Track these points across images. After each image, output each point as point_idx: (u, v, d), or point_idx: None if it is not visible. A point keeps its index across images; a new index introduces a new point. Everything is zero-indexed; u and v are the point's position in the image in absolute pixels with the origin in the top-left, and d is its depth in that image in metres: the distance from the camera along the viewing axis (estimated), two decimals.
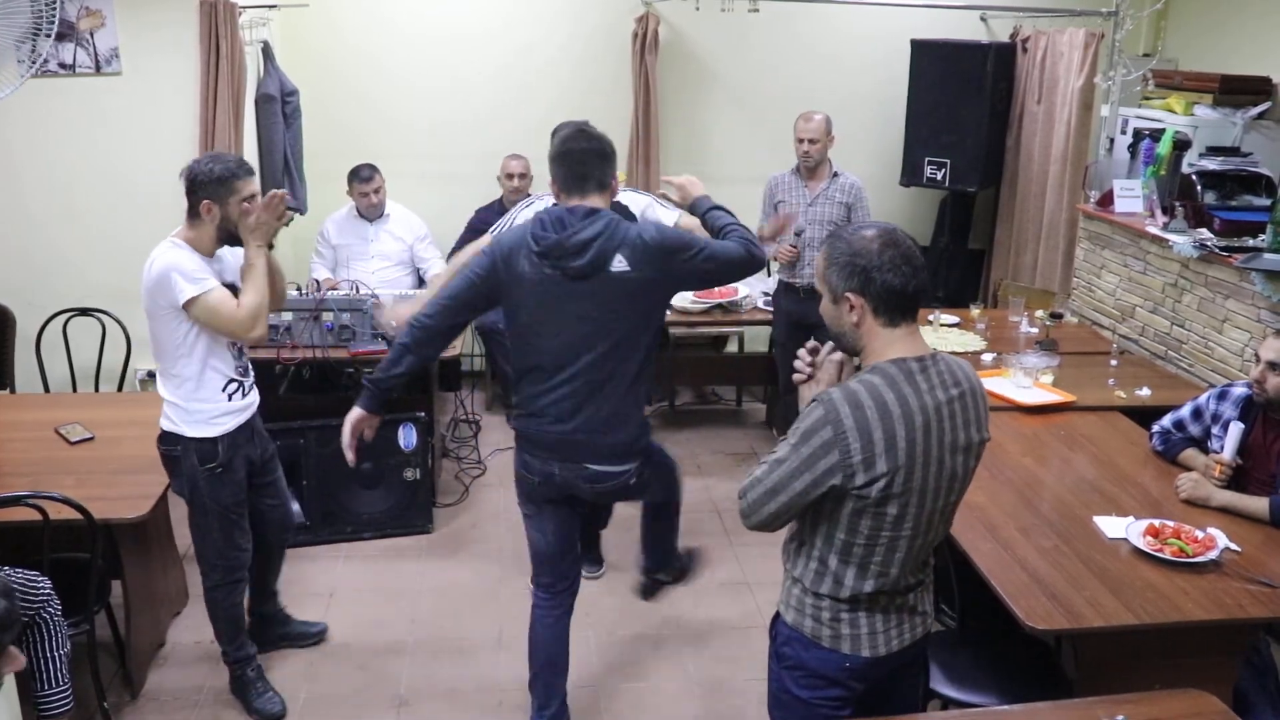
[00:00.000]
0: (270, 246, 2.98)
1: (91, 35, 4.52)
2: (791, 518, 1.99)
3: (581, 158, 2.68)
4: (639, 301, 2.66)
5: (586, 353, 2.66)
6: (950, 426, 1.91)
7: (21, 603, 2.62)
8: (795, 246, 4.52)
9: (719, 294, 4.97)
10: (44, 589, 2.70)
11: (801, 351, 2.06)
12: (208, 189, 2.81)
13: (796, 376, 2.06)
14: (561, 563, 2.96)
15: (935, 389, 1.90)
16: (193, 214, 2.87)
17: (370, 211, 5.17)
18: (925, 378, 1.89)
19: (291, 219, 2.93)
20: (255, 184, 2.90)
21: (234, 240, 2.93)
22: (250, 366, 3.12)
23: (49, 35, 3.58)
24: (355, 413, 2.78)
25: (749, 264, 2.67)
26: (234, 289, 2.94)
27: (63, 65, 4.53)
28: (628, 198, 3.67)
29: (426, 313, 2.75)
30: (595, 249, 2.58)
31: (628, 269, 2.59)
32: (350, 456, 2.78)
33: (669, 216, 3.59)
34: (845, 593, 1.98)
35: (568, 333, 2.65)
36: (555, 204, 2.77)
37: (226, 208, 2.84)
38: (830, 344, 2.05)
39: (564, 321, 2.65)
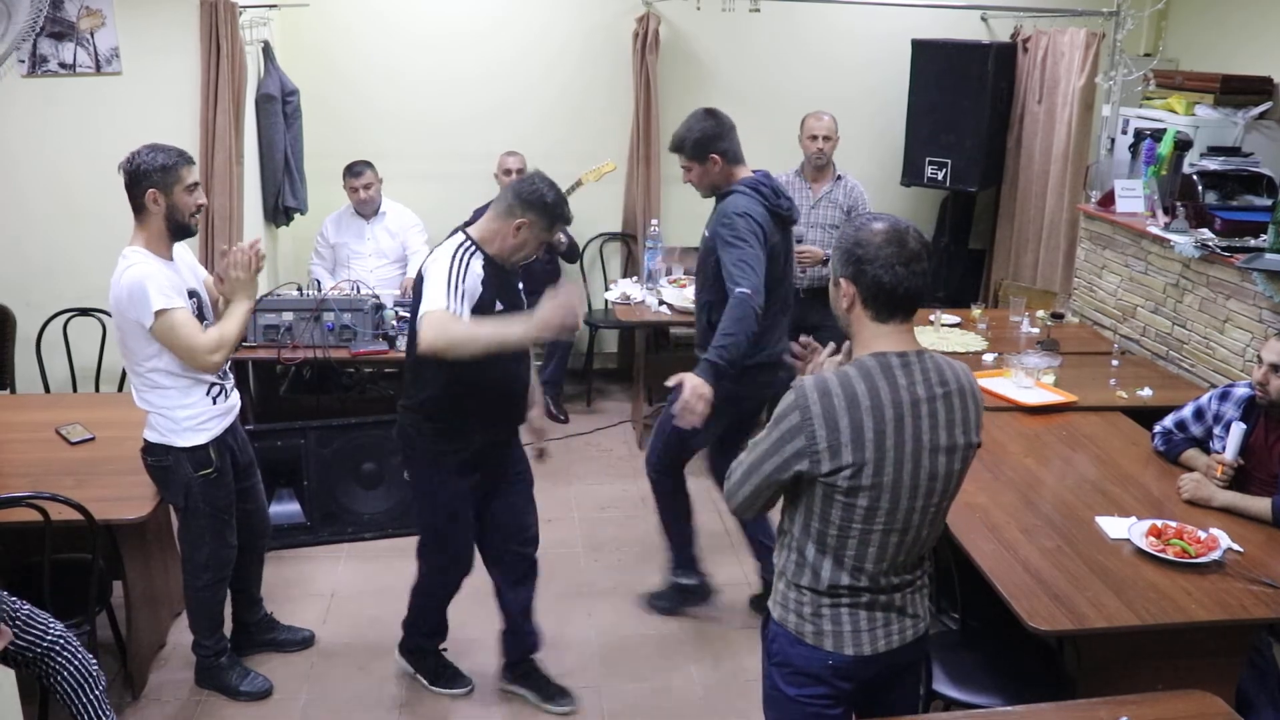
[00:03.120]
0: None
1: (91, 35, 4.52)
2: (769, 501, 2.01)
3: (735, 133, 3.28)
4: None
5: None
6: (930, 425, 1.90)
7: (26, 637, 2.54)
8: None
9: None
10: (52, 632, 2.54)
11: (802, 339, 2.11)
12: (152, 178, 2.79)
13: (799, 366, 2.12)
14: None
15: (916, 385, 1.89)
16: (139, 210, 2.84)
17: (363, 208, 5.18)
18: (906, 373, 1.88)
19: (261, 268, 3.00)
20: (196, 172, 2.90)
21: (183, 232, 2.91)
22: (227, 369, 3.10)
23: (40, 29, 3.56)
24: (705, 387, 2.94)
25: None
26: (193, 295, 2.93)
27: (63, 65, 4.52)
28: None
29: (759, 300, 3.09)
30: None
31: None
32: (695, 422, 2.93)
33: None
34: (823, 584, 1.98)
35: (789, 269, 3.42)
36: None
37: (172, 196, 2.82)
38: (831, 346, 2.07)
39: (789, 262, 3.39)
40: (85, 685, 2.56)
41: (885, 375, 1.87)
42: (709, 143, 3.18)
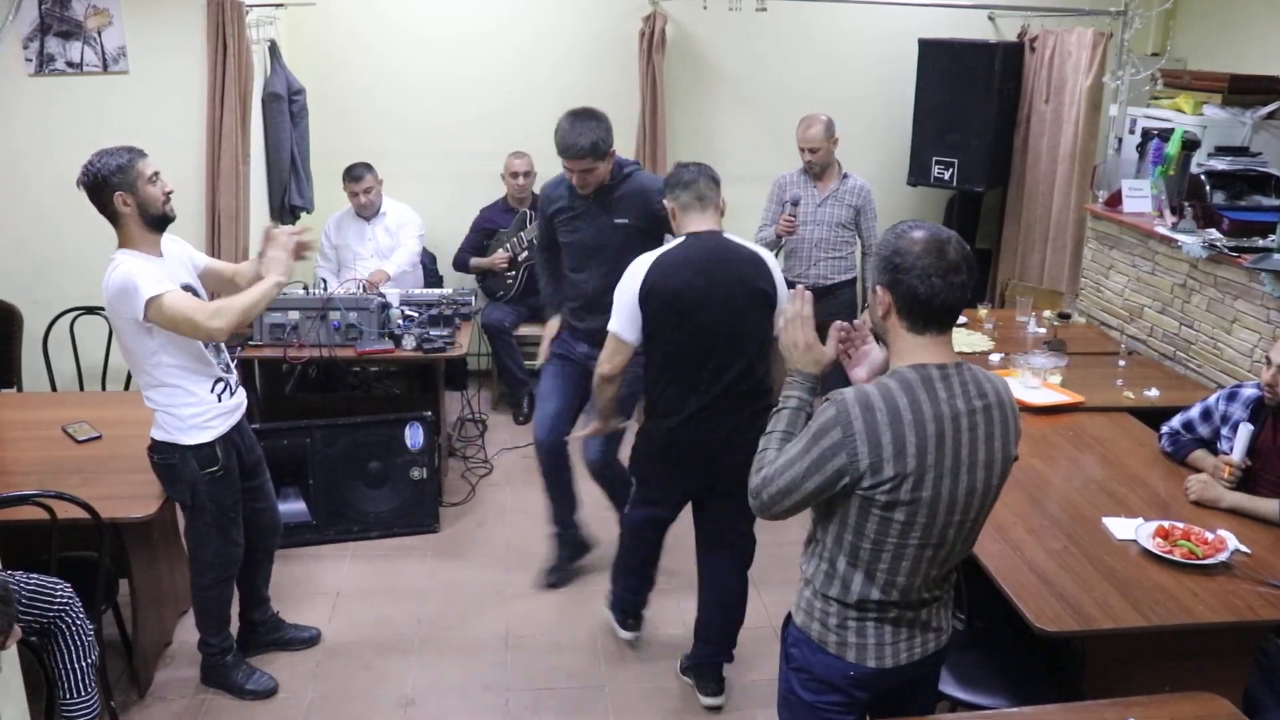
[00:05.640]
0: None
1: (99, 34, 4.53)
2: (808, 506, 1.98)
3: None
4: None
5: None
6: (970, 439, 1.87)
7: (34, 609, 2.59)
8: (793, 218, 4.52)
9: None
10: (61, 595, 2.63)
11: (855, 323, 2.07)
12: (112, 182, 2.79)
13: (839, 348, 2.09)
14: None
15: (956, 398, 1.86)
16: (113, 217, 2.84)
17: (363, 210, 5.18)
18: (946, 386, 1.86)
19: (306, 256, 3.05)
20: (154, 162, 2.89)
21: (162, 223, 2.91)
22: (232, 364, 3.12)
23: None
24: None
25: None
26: (187, 288, 2.93)
27: (70, 64, 4.54)
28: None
29: None
30: None
31: None
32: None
33: None
34: (852, 597, 1.96)
35: None
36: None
37: (138, 193, 2.82)
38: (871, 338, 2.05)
39: None
40: (80, 650, 2.59)
41: (926, 388, 1.84)
42: (610, 138, 3.39)
